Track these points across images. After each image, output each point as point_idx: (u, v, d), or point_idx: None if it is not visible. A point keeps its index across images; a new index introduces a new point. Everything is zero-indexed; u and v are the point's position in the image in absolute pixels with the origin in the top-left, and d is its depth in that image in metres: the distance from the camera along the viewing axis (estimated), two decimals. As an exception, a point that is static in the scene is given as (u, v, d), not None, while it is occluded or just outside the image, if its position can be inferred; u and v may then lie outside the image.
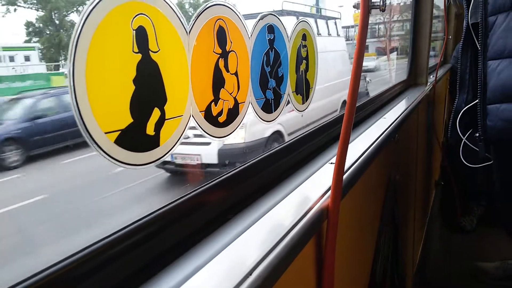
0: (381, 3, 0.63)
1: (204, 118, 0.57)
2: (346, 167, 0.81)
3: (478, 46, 1.45)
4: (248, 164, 0.74)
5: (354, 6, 0.65)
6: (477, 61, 1.46)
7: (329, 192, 0.72)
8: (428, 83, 2.48)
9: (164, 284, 0.48)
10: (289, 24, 0.78)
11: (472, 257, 2.60)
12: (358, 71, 0.69)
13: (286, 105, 0.80)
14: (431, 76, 2.70)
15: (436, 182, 3.37)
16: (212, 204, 0.65)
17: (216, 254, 0.54)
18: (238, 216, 0.66)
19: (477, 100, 1.46)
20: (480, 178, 2.92)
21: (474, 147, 1.58)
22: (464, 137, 1.61)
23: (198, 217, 0.61)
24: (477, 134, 1.50)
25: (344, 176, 0.77)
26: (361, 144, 1.03)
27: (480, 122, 1.45)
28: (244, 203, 0.70)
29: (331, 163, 0.90)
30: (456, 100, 1.65)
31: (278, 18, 0.75)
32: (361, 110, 1.39)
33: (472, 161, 1.66)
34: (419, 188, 2.31)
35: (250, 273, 0.49)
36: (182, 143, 0.52)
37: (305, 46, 0.86)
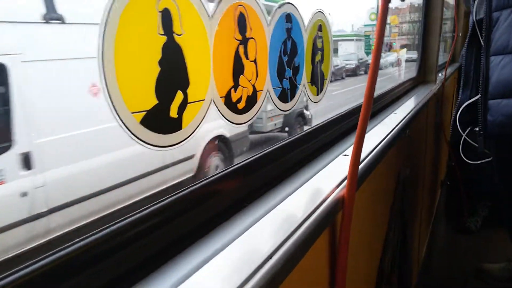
0: None
1: (224, 104, 0.57)
2: (361, 158, 0.81)
3: (482, 42, 1.44)
4: (264, 152, 0.74)
5: None
6: (480, 56, 1.46)
7: (344, 182, 0.72)
8: (437, 81, 2.47)
9: (185, 267, 0.48)
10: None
11: (476, 257, 2.59)
12: (376, 63, 0.68)
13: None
14: (440, 74, 2.68)
15: (442, 182, 3.36)
16: (228, 191, 0.65)
17: (234, 239, 0.55)
18: (254, 204, 0.66)
19: (478, 96, 1.45)
20: (485, 178, 2.90)
21: (474, 143, 1.57)
22: (464, 133, 1.60)
23: (215, 203, 0.61)
24: (477, 129, 1.49)
25: (359, 167, 0.77)
26: (375, 137, 1.03)
27: (480, 117, 1.45)
28: (260, 191, 0.70)
29: (345, 155, 0.90)
30: (460, 96, 1.64)
31: (296, 8, 0.75)
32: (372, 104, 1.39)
33: (472, 158, 1.65)
34: (426, 186, 2.31)
35: (270, 257, 0.49)
36: None
37: (320, 37, 0.86)
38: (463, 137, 1.60)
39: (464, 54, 1.64)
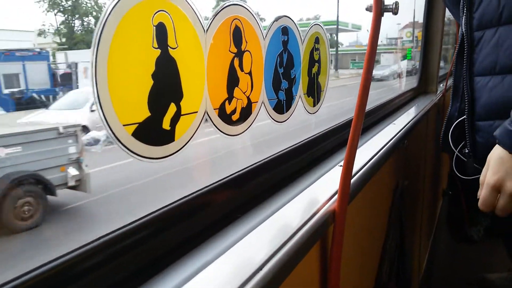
0: (393, 6, 0.64)
1: (218, 115, 0.58)
2: (354, 171, 0.81)
3: (464, 61, 1.39)
4: (258, 164, 0.75)
5: (366, 9, 0.65)
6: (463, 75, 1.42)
7: (336, 195, 0.72)
8: (438, 92, 2.47)
9: (175, 277, 0.49)
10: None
11: (478, 267, 2.58)
12: (368, 75, 0.68)
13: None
14: (441, 84, 2.69)
15: (444, 191, 3.34)
16: (221, 202, 0.65)
17: (226, 250, 0.55)
18: (247, 215, 0.66)
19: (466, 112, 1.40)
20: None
21: (464, 158, 1.52)
22: (457, 149, 1.54)
23: (208, 214, 0.62)
24: (467, 150, 1.43)
25: (353, 180, 0.77)
26: (370, 148, 1.03)
27: (468, 138, 1.39)
28: (253, 202, 0.70)
29: (340, 165, 0.90)
30: (449, 108, 1.58)
31: (293, 20, 0.76)
32: (371, 115, 1.39)
33: (465, 173, 1.60)
34: (426, 196, 2.30)
35: (260, 268, 0.49)
36: None
37: (317, 49, 0.87)
38: (455, 153, 1.55)
39: (455, 66, 1.60)
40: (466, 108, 1.37)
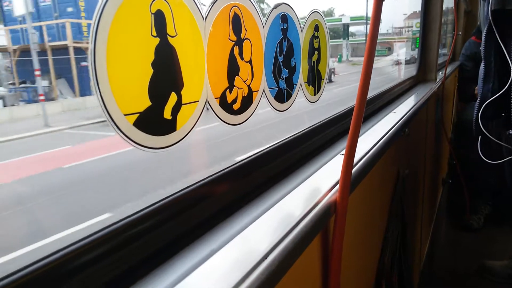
0: None
1: (219, 105, 0.57)
2: (356, 160, 0.80)
3: (496, 33, 1.36)
4: (260, 153, 0.74)
5: None
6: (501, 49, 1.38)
7: (338, 185, 0.72)
8: (437, 80, 2.46)
9: (181, 267, 0.49)
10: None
11: (478, 255, 2.59)
12: (370, 63, 0.68)
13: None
14: (440, 72, 2.68)
15: (443, 180, 3.35)
16: (225, 191, 0.65)
17: (230, 239, 0.55)
18: (250, 205, 0.66)
19: (502, 91, 1.35)
20: (490, 176, 2.89)
21: (497, 140, 1.48)
22: (485, 129, 1.49)
23: (211, 204, 0.61)
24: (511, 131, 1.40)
25: (354, 169, 0.76)
26: (371, 137, 1.02)
27: None
28: (256, 192, 0.70)
29: (342, 154, 0.89)
30: (481, 89, 1.52)
31: (292, 8, 0.75)
32: (370, 104, 1.38)
33: (491, 157, 1.55)
34: (427, 185, 2.30)
35: (265, 257, 0.49)
36: None
37: (317, 37, 0.86)
38: (483, 134, 1.50)
39: (483, 46, 1.54)
40: (510, 83, 1.33)
